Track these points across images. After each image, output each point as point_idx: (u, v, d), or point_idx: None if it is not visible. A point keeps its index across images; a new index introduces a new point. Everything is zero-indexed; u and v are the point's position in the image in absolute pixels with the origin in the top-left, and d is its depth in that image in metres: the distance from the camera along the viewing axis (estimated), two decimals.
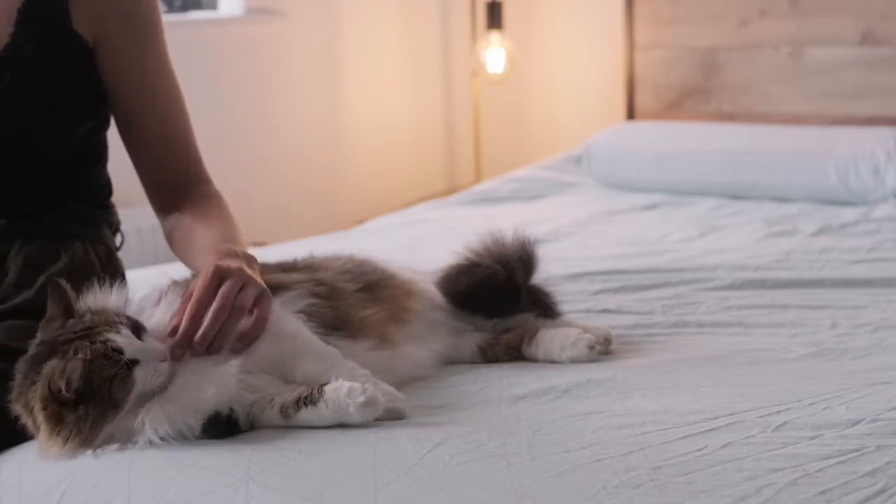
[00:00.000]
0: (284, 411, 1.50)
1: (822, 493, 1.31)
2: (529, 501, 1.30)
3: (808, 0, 3.65)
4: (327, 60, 4.05)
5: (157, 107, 1.83)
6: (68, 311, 1.48)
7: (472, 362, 1.83)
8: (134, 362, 1.43)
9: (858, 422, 1.52)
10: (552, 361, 1.81)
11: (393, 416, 1.53)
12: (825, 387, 1.66)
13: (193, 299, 1.49)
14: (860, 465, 1.38)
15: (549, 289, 1.95)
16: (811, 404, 1.58)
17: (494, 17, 4.14)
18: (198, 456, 1.43)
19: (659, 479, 1.34)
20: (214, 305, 1.49)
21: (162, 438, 1.44)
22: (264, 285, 1.55)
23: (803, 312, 2.15)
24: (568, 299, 2.08)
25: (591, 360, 1.81)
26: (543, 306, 1.92)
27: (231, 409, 1.49)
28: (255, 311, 1.53)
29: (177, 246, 1.81)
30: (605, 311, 2.16)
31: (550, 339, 1.82)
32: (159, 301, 1.57)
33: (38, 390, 1.43)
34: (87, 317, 1.47)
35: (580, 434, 1.48)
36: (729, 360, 1.84)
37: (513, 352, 1.84)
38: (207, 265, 1.54)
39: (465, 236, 1.99)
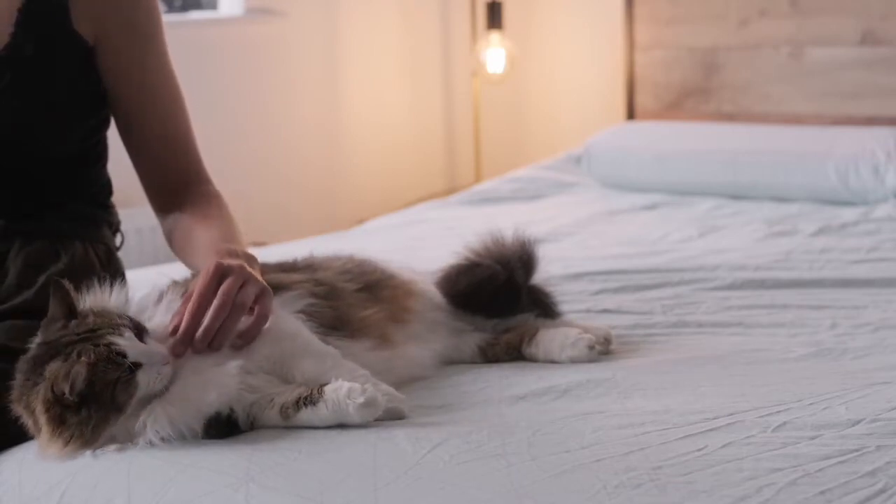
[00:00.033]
0: (284, 411, 1.50)
1: (822, 493, 1.31)
2: (529, 501, 1.30)
3: (808, 0, 3.65)
4: (327, 60, 4.05)
5: (157, 107, 1.83)
6: (70, 312, 1.48)
7: (472, 362, 1.83)
8: (137, 365, 1.43)
9: (858, 422, 1.52)
10: (552, 361, 1.81)
11: (393, 417, 1.53)
12: (825, 387, 1.66)
13: (195, 296, 1.50)
14: (860, 465, 1.38)
15: (549, 289, 1.95)
16: (811, 404, 1.58)
17: (494, 17, 4.14)
18: (198, 456, 1.43)
19: (659, 479, 1.34)
20: (215, 303, 1.49)
21: (163, 440, 1.44)
22: (265, 283, 1.55)
23: (803, 312, 2.15)
24: (568, 299, 2.08)
25: (591, 360, 1.81)
26: (543, 306, 1.92)
27: (231, 410, 1.49)
28: (256, 308, 1.53)
29: (177, 246, 1.81)
30: (605, 311, 2.16)
31: (550, 339, 1.82)
32: (159, 301, 1.57)
33: (41, 392, 1.43)
34: (90, 318, 1.47)
35: (580, 434, 1.48)
36: (729, 360, 1.84)
37: (513, 352, 1.84)
38: (208, 263, 1.54)
39: (465, 236, 1.99)
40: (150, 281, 1.71)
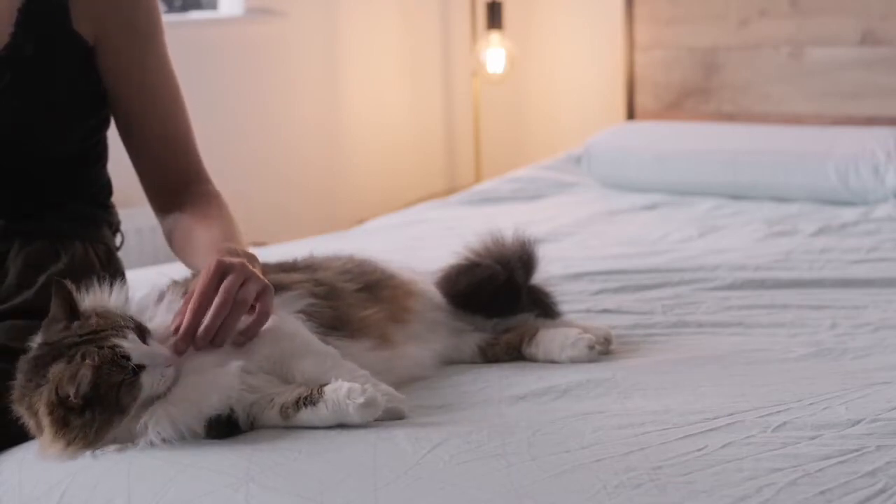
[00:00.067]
0: (284, 412, 1.50)
1: (822, 493, 1.31)
2: (529, 501, 1.30)
3: (808, 0, 3.65)
4: (327, 60, 4.05)
5: (157, 107, 1.83)
6: (73, 313, 1.48)
7: (472, 362, 1.83)
8: (140, 367, 1.43)
9: (858, 422, 1.52)
10: (552, 361, 1.81)
11: (393, 417, 1.53)
12: (825, 387, 1.66)
13: (196, 294, 1.50)
14: (860, 465, 1.38)
15: (549, 289, 1.95)
16: (811, 404, 1.58)
17: (494, 17, 4.14)
18: (198, 456, 1.43)
19: (659, 479, 1.34)
20: (217, 300, 1.49)
21: (164, 440, 1.44)
22: (266, 281, 1.55)
23: (803, 312, 2.15)
24: (568, 299, 2.08)
25: (591, 360, 1.81)
26: (543, 306, 1.92)
27: (231, 410, 1.49)
28: (258, 305, 1.53)
29: (177, 246, 1.81)
30: (605, 311, 2.16)
31: (550, 339, 1.82)
32: (159, 301, 1.57)
33: (45, 394, 1.42)
34: (93, 320, 1.47)
35: (580, 434, 1.48)
36: (729, 360, 1.84)
37: (513, 352, 1.84)
38: (209, 261, 1.54)
39: (465, 236, 1.99)
40: (150, 281, 1.71)
